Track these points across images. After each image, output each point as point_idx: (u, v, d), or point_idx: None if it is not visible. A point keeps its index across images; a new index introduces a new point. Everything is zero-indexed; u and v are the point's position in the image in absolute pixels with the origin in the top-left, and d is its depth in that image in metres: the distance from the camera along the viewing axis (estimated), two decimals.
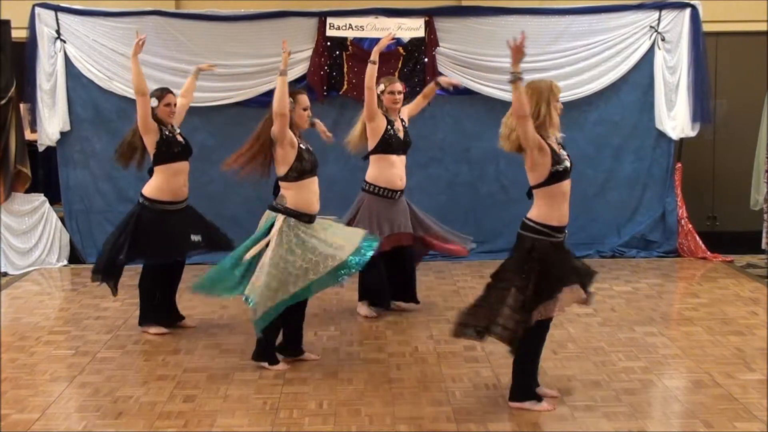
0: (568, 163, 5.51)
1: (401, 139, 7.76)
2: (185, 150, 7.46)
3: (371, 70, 7.55)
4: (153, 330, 7.37)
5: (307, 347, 6.90)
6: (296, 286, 6.24)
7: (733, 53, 10.85)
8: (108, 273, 7.36)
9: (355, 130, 7.86)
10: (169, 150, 7.30)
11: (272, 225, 6.42)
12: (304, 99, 6.59)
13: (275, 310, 6.23)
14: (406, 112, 8.01)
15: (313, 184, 6.54)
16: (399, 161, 7.77)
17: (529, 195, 5.60)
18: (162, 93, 7.37)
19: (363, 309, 7.94)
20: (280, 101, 6.34)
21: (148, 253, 7.31)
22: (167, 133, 7.32)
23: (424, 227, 7.96)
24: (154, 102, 7.27)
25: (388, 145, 7.68)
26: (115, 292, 7.50)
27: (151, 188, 7.32)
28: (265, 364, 6.47)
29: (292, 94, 6.54)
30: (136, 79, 7.22)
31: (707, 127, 10.51)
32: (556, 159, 5.43)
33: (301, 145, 6.49)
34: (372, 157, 7.75)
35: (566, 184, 5.52)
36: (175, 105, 7.40)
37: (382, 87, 7.69)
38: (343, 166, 9.79)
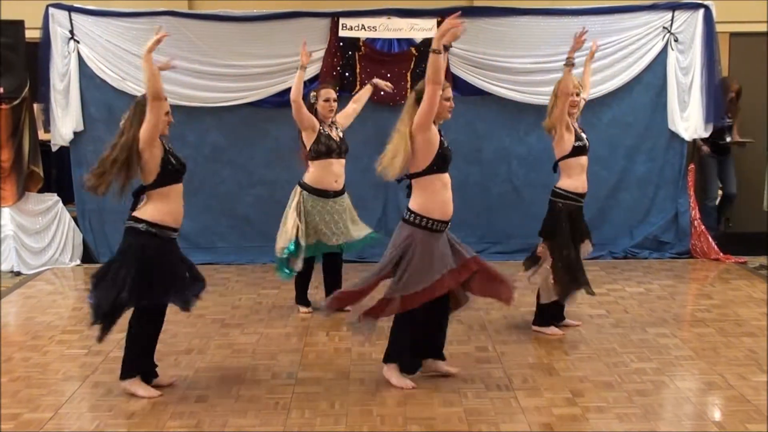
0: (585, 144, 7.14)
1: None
2: (183, 167, 6.00)
3: (436, 62, 5.56)
4: (143, 392, 5.94)
5: (319, 346, 6.96)
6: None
7: (746, 53, 10.82)
8: (109, 316, 5.86)
9: (395, 151, 5.87)
10: (174, 168, 5.90)
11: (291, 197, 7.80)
12: (324, 92, 7.77)
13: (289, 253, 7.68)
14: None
15: (331, 165, 7.68)
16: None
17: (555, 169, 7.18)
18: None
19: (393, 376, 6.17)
20: (294, 89, 7.54)
21: (159, 293, 5.80)
22: (169, 146, 5.96)
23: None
24: None
25: (445, 161, 5.96)
26: (101, 339, 6.01)
27: (155, 211, 5.84)
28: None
29: (316, 89, 7.88)
30: (154, 81, 5.68)
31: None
32: (578, 137, 7.06)
33: (322, 130, 7.65)
34: (422, 180, 5.95)
35: (580, 159, 7.12)
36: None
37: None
38: (353, 166, 9.79)
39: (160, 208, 5.84)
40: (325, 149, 7.64)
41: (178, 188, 5.92)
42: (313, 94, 7.77)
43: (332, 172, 7.71)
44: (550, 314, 7.34)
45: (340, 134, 7.80)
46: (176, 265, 5.91)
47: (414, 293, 5.82)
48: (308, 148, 7.67)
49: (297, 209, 7.69)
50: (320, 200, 7.71)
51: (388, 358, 6.18)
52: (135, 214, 5.86)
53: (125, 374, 5.97)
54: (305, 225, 7.66)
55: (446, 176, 5.96)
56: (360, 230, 8.02)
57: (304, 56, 7.70)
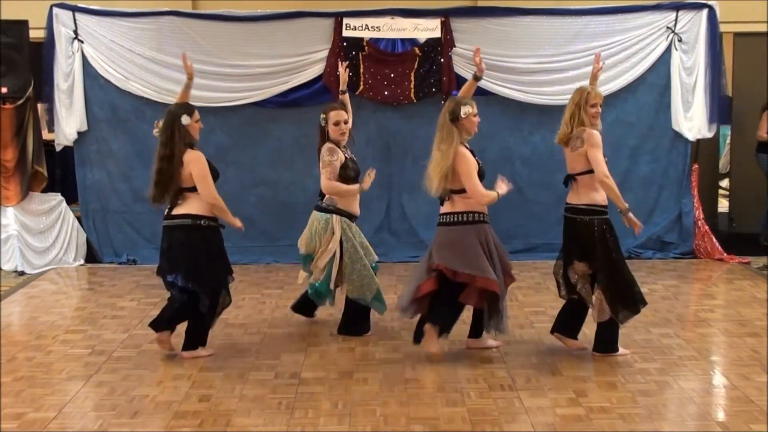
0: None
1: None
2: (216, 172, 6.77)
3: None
4: (204, 352, 6.80)
5: (322, 346, 6.96)
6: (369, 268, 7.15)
7: (750, 53, 10.78)
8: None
9: (435, 172, 6.53)
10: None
11: (326, 226, 7.10)
12: (334, 115, 7.11)
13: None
14: None
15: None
16: None
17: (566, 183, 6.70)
18: (191, 110, 6.65)
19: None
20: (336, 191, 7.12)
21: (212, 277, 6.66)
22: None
23: None
24: (186, 119, 6.52)
25: (481, 177, 6.60)
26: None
27: (202, 207, 6.57)
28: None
29: (325, 110, 7.16)
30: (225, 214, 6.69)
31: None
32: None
33: (346, 155, 7.09)
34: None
35: None
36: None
37: (468, 110, 6.50)
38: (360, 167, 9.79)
39: (203, 204, 6.58)
40: (354, 174, 7.13)
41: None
42: (322, 116, 7.14)
43: (356, 195, 7.21)
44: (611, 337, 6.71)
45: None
46: (223, 253, 6.76)
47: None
48: (336, 176, 7.05)
49: (353, 248, 7.11)
50: (353, 224, 7.20)
51: (432, 319, 6.60)
52: (187, 212, 6.57)
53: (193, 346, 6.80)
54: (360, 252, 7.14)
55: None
56: None
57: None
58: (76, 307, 8.48)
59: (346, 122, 7.17)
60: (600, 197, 6.60)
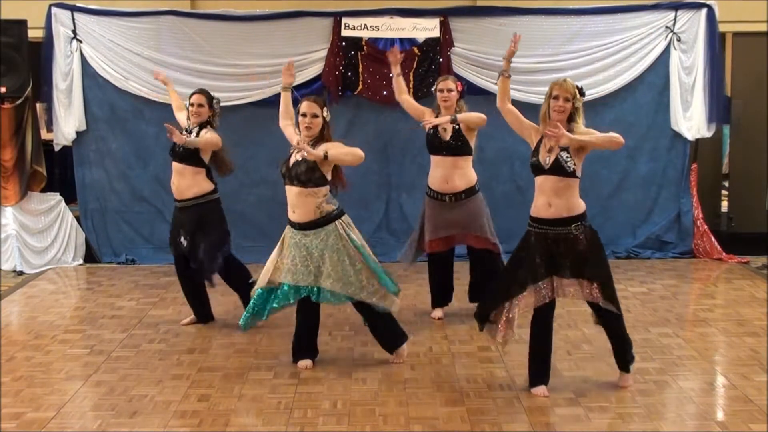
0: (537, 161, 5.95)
1: (443, 139, 7.54)
2: (173, 152, 7.48)
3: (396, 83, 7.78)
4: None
5: (322, 346, 6.94)
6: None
7: (749, 53, 10.79)
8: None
9: None
10: (170, 149, 7.56)
11: None
12: (301, 106, 6.30)
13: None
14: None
15: (289, 191, 6.32)
16: (445, 162, 7.60)
17: None
18: (191, 93, 7.59)
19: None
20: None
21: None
22: (181, 135, 7.37)
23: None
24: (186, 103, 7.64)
25: (428, 145, 7.66)
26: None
27: None
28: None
29: (302, 99, 6.42)
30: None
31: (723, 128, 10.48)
32: (535, 150, 6.03)
33: (290, 149, 6.39)
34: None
35: (537, 179, 6.03)
36: (198, 105, 7.47)
37: (435, 85, 7.72)
38: (355, 167, 9.77)
39: None
40: (280, 172, 6.40)
41: (174, 166, 7.50)
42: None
43: (288, 198, 6.36)
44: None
45: (299, 158, 6.24)
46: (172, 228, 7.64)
47: (422, 242, 7.71)
48: None
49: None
50: (289, 229, 6.45)
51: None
52: None
53: None
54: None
55: (436, 157, 7.59)
56: (332, 282, 6.32)
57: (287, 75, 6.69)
58: (74, 307, 8.48)
59: (314, 115, 6.22)
60: (533, 208, 6.10)
